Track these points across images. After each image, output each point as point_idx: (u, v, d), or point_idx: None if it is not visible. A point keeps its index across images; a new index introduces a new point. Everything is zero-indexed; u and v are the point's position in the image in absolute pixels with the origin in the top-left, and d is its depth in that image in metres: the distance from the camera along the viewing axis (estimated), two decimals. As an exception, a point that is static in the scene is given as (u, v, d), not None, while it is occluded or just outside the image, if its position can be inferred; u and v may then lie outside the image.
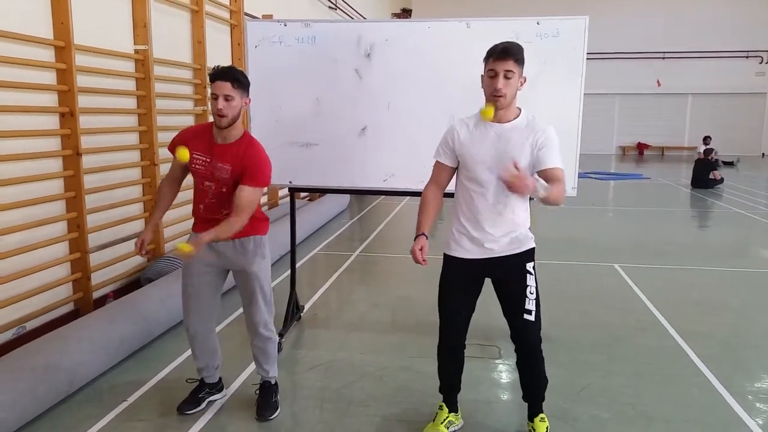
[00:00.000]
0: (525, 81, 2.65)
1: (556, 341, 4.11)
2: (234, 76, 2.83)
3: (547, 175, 2.61)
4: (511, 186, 2.37)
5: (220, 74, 2.81)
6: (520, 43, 2.63)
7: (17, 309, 3.92)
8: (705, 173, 13.10)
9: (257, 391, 3.28)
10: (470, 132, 2.71)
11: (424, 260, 2.63)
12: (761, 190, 12.93)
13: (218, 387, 3.33)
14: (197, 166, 2.97)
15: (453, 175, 2.84)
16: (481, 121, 2.69)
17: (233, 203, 2.89)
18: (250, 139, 2.99)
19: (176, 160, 3.00)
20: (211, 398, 3.28)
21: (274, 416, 3.16)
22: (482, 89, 2.68)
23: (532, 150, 2.63)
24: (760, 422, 3.12)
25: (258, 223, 3.08)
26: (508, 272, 2.75)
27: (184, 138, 3.02)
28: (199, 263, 3.04)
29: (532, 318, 2.73)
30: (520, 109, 2.71)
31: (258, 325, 3.15)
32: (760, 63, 22.84)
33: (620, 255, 6.75)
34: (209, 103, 2.87)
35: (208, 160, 2.93)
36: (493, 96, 2.59)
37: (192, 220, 3.18)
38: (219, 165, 2.91)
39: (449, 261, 2.82)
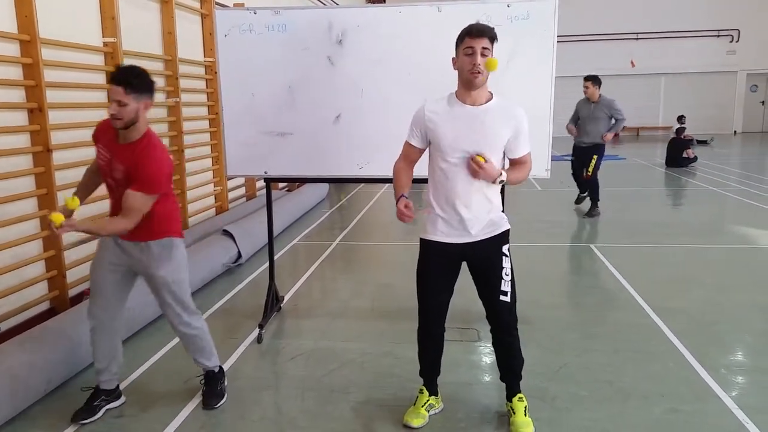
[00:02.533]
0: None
1: (534, 322, 4.17)
2: (126, 81, 2.72)
3: (518, 160, 2.78)
4: (476, 174, 2.60)
5: (113, 77, 2.73)
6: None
7: (-9, 309, 3.87)
8: (678, 152, 13.28)
9: (202, 382, 3.27)
10: (443, 113, 2.73)
11: (410, 215, 2.70)
12: (733, 167, 13.15)
13: (116, 394, 3.20)
14: (101, 161, 2.92)
15: (421, 154, 2.88)
16: (452, 102, 2.72)
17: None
18: (149, 141, 2.85)
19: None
20: (108, 406, 3.15)
21: (219, 404, 3.17)
22: (455, 70, 2.70)
23: (507, 137, 2.71)
24: (733, 394, 3.19)
25: (167, 225, 2.99)
26: (485, 255, 2.79)
27: (99, 130, 2.96)
28: (105, 259, 3.00)
29: (507, 299, 2.78)
30: (491, 93, 2.74)
31: (176, 326, 3.12)
32: (731, 42, 23.12)
33: (596, 236, 6.84)
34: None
35: (108, 157, 2.88)
36: (471, 73, 2.61)
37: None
38: (115, 165, 2.84)
39: (426, 245, 2.85)
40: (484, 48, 2.59)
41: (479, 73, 2.60)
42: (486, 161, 2.61)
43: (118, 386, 3.23)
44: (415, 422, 2.92)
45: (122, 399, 3.24)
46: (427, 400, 3.01)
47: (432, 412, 3.02)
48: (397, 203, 2.74)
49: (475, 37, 2.59)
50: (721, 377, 3.39)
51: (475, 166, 2.59)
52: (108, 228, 2.87)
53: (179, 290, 3.05)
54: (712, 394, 3.22)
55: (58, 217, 2.64)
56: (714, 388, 3.27)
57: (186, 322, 3.11)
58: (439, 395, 3.08)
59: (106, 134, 2.91)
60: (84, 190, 3.13)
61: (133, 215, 2.80)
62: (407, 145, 2.88)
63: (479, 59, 2.58)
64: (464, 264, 2.86)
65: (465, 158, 2.67)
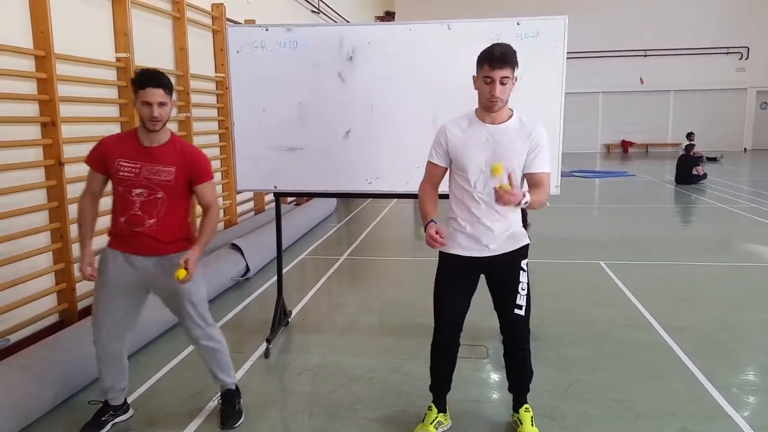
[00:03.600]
0: (516, 80, 2.68)
1: (543, 339, 4.14)
2: (164, 82, 2.77)
3: (534, 179, 2.71)
4: (500, 198, 2.46)
5: (151, 81, 2.73)
6: (512, 45, 2.65)
7: (1, 321, 3.88)
8: (688, 169, 13.24)
9: (219, 401, 3.24)
10: (463, 132, 2.75)
11: (442, 242, 2.66)
12: (743, 184, 13.09)
13: (123, 408, 3.18)
14: (124, 174, 2.82)
15: (445, 174, 2.89)
16: (473, 121, 2.74)
17: (162, 212, 2.85)
18: (178, 138, 2.97)
19: (93, 173, 2.90)
20: (116, 420, 3.13)
21: (238, 423, 3.12)
22: (475, 90, 2.71)
23: (525, 152, 2.69)
24: (745, 414, 3.15)
25: (188, 239, 2.99)
26: (504, 269, 2.80)
27: (105, 147, 2.87)
28: (115, 283, 2.91)
29: (522, 313, 2.79)
30: (512, 110, 2.75)
31: (199, 339, 3.08)
32: (740, 59, 23.11)
33: (605, 252, 6.81)
34: (137, 108, 2.77)
35: (138, 165, 2.83)
36: (489, 101, 2.63)
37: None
38: (157, 167, 2.83)
39: (446, 259, 2.85)
40: (503, 77, 2.58)
41: (499, 101, 2.62)
42: (511, 185, 2.51)
43: (125, 401, 3.22)
44: None
45: (130, 413, 3.23)
46: (436, 417, 2.99)
47: (441, 429, 3.00)
48: (426, 229, 2.70)
49: (495, 67, 2.57)
50: (733, 396, 3.35)
51: (502, 194, 2.46)
52: (210, 230, 2.92)
53: (200, 302, 3.04)
54: (723, 413, 3.18)
55: (182, 273, 2.72)
56: (725, 407, 3.23)
57: (208, 335, 3.10)
58: (448, 412, 3.06)
59: (121, 149, 2.84)
60: (92, 225, 3.00)
61: (216, 205, 2.97)
62: (430, 164, 2.88)
63: (498, 90, 2.59)
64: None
65: (484, 175, 2.67)
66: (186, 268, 2.75)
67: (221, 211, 7.31)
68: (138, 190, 2.83)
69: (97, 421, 3.08)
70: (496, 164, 2.54)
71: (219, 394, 3.26)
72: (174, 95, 2.90)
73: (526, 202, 2.55)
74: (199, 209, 3.08)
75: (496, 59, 2.56)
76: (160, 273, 2.92)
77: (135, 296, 3.00)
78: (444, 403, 3.04)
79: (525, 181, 2.80)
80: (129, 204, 2.85)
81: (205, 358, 3.16)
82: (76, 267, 4.50)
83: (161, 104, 2.75)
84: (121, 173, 2.83)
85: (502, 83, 2.59)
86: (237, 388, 3.26)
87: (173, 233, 2.91)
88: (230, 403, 3.18)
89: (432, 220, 2.74)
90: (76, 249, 4.52)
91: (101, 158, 2.87)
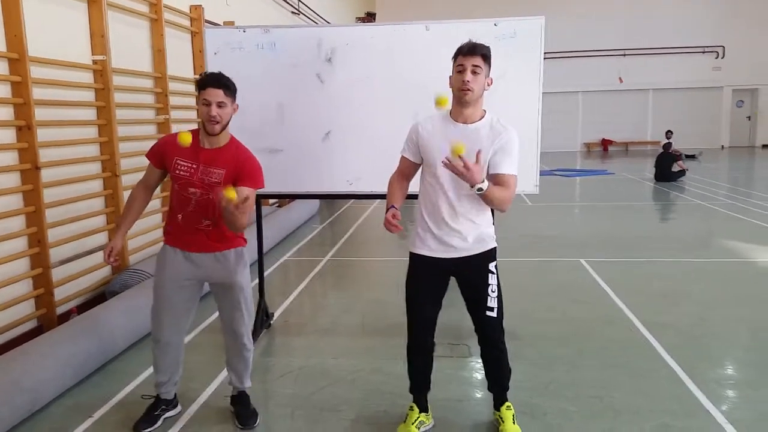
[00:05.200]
0: (492, 82, 2.72)
1: (523, 337, 4.16)
2: (225, 83, 2.83)
3: (497, 180, 2.69)
4: (457, 171, 2.48)
5: (212, 81, 2.80)
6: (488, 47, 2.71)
7: (-23, 328, 3.82)
8: (667, 166, 13.39)
9: (231, 404, 3.25)
10: (434, 130, 2.77)
11: (397, 226, 2.66)
12: (722, 181, 13.27)
13: (173, 403, 3.25)
14: (181, 172, 2.90)
15: (417, 170, 2.90)
16: (446, 120, 2.75)
17: (216, 213, 2.88)
18: (238, 143, 2.99)
19: (152, 167, 3.00)
20: (167, 415, 3.20)
21: (258, 423, 3.14)
22: (450, 88, 2.73)
23: (492, 152, 2.68)
24: (723, 408, 3.20)
25: (239, 235, 3.05)
26: (472, 271, 2.81)
27: (166, 144, 2.97)
28: (176, 275, 3.00)
29: (494, 314, 2.81)
30: (485, 111, 2.77)
31: (242, 337, 3.12)
32: (716, 58, 23.44)
33: (586, 250, 6.86)
34: (199, 109, 2.85)
35: (194, 166, 2.89)
36: (460, 90, 2.65)
37: (158, 232, 3.13)
38: (211, 170, 2.87)
39: (414, 258, 2.87)
40: (474, 65, 2.62)
41: (469, 90, 2.63)
42: (477, 162, 2.49)
43: (175, 395, 3.25)
44: None
45: (179, 408, 3.27)
46: (418, 417, 2.99)
47: (423, 429, 3.00)
48: (386, 213, 2.73)
49: (466, 54, 2.63)
50: (711, 391, 3.39)
51: (453, 160, 2.45)
52: (245, 216, 2.80)
53: (250, 299, 3.11)
54: (702, 409, 3.22)
55: (232, 192, 2.58)
56: (704, 402, 3.27)
57: (249, 334, 3.15)
58: (429, 412, 3.07)
59: (181, 148, 2.85)
60: (136, 212, 3.07)
61: (249, 210, 2.86)
62: (401, 158, 2.92)
63: (469, 76, 2.62)
64: (454, 279, 2.87)
65: (452, 174, 2.64)
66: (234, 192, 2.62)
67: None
68: (192, 190, 2.90)
69: (150, 416, 3.13)
70: (457, 144, 2.49)
71: (230, 396, 3.27)
72: (236, 101, 2.90)
73: (479, 189, 2.51)
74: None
75: (468, 48, 2.64)
76: (219, 267, 3.00)
77: (193, 290, 3.07)
78: (425, 402, 3.05)
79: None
80: (185, 202, 2.93)
81: (236, 356, 3.17)
82: (54, 272, 4.45)
83: (220, 104, 2.79)
84: (177, 171, 2.91)
85: (474, 72, 2.62)
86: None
87: (223, 234, 2.96)
88: (245, 404, 3.21)
89: (393, 206, 2.76)
90: (54, 254, 4.47)
91: (160, 155, 2.97)
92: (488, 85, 2.72)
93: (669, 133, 14.72)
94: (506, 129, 2.71)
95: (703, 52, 23.40)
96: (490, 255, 2.82)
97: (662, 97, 24.13)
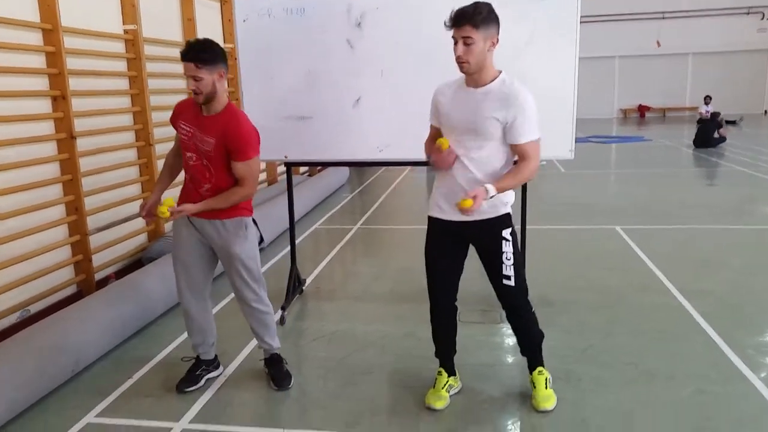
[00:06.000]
0: (497, 42, 2.56)
1: (557, 304, 4.13)
2: (196, 56, 2.74)
3: (517, 151, 2.64)
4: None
5: (184, 55, 2.76)
6: (484, 2, 2.53)
7: (21, 292, 3.95)
8: (709, 133, 12.99)
9: (265, 366, 3.31)
10: (450, 96, 2.74)
11: (444, 158, 2.67)
12: (764, 147, 12.84)
13: (215, 364, 3.32)
14: (183, 136, 2.98)
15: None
16: (460, 85, 2.70)
17: (212, 180, 2.91)
18: (233, 111, 2.93)
19: (177, 132, 3.05)
20: (209, 376, 3.27)
21: (291, 384, 3.20)
22: None
23: (502, 122, 2.59)
24: (762, 375, 3.13)
25: (242, 206, 3.04)
26: (484, 238, 2.77)
27: (178, 108, 3.05)
28: (188, 238, 3.06)
29: (511, 283, 2.76)
30: (499, 72, 2.64)
31: (250, 301, 3.16)
32: (761, 19, 22.51)
33: (621, 217, 6.74)
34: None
35: (191, 131, 2.92)
36: (457, 63, 2.56)
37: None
38: (201, 137, 2.89)
39: (430, 222, 2.90)
40: (464, 37, 2.48)
41: (464, 62, 2.53)
42: (473, 198, 2.46)
43: (216, 356, 3.34)
44: (438, 404, 2.92)
45: (221, 369, 3.36)
46: (447, 381, 3.01)
47: (452, 392, 3.02)
48: (431, 157, 2.74)
49: (454, 27, 2.49)
50: (749, 358, 3.32)
51: (461, 210, 2.48)
52: (231, 199, 2.92)
53: (255, 267, 3.14)
54: (740, 375, 3.16)
55: (163, 210, 2.75)
56: (742, 369, 3.21)
57: (261, 299, 3.20)
58: (457, 375, 3.08)
59: (188, 111, 2.97)
60: (168, 175, 3.19)
61: (252, 181, 2.95)
62: (431, 125, 2.92)
63: (460, 50, 2.50)
64: None
65: (461, 139, 2.67)
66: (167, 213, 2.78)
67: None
68: (189, 154, 2.96)
69: (191, 375, 3.22)
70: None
71: (263, 359, 3.32)
72: (221, 67, 2.82)
73: (491, 196, 2.49)
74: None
75: (452, 19, 2.49)
76: (216, 236, 3.02)
77: (203, 254, 3.11)
78: (452, 366, 3.06)
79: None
80: (187, 165, 3.01)
81: (253, 321, 3.23)
82: (91, 239, 4.56)
83: (195, 78, 2.76)
84: (181, 135, 2.98)
85: (465, 44, 2.48)
86: (280, 353, 3.34)
87: None
88: (278, 365, 3.27)
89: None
90: (91, 221, 4.57)
91: (174, 118, 3.04)
92: (492, 45, 2.54)
93: (707, 99, 14.27)
94: (516, 96, 2.56)
95: (747, 13, 22.47)
96: (503, 221, 2.74)
97: (702, 61, 23.36)
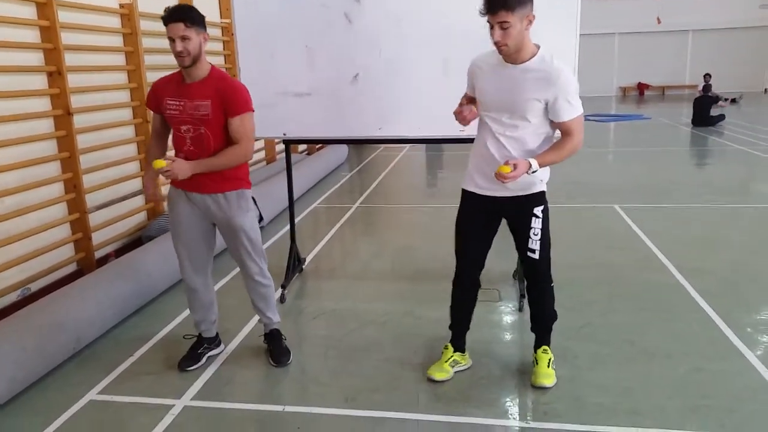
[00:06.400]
0: (533, 18, 2.53)
1: (556, 282, 4.04)
2: (185, 16, 2.75)
3: (561, 129, 2.67)
4: (501, 178, 2.50)
5: (170, 16, 2.74)
6: None
7: (21, 271, 3.95)
8: (706, 110, 12.94)
9: (265, 341, 3.33)
10: (488, 70, 2.73)
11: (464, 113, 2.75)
12: (763, 125, 12.80)
13: (216, 342, 3.34)
14: (171, 112, 2.90)
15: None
16: (499, 61, 2.66)
17: (212, 148, 2.87)
18: (220, 72, 2.93)
19: (154, 114, 3.00)
20: (210, 353, 3.29)
21: (290, 360, 3.22)
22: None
23: (543, 97, 2.58)
24: (759, 353, 3.16)
25: (241, 174, 3.03)
26: (516, 213, 2.81)
27: (156, 88, 2.98)
28: (183, 217, 3.03)
29: (536, 256, 2.82)
30: (537, 47, 2.63)
31: (254, 275, 3.17)
32: (764, -5, 22.29)
33: (620, 196, 6.74)
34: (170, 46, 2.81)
35: (181, 102, 2.87)
36: (495, 47, 2.56)
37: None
38: (196, 103, 2.84)
39: (463, 195, 2.90)
40: (501, 22, 2.46)
41: (503, 46, 2.52)
42: (512, 169, 2.48)
43: (218, 334, 3.35)
44: (438, 375, 2.97)
45: (222, 347, 3.37)
46: (452, 356, 3.04)
47: (457, 368, 3.04)
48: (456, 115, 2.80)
49: (489, 13, 2.48)
50: (747, 336, 3.35)
51: (499, 177, 2.50)
52: (229, 158, 2.87)
53: (257, 239, 3.13)
54: (737, 353, 3.18)
55: (159, 162, 2.70)
56: (739, 347, 3.23)
57: (263, 272, 3.20)
58: (466, 353, 3.11)
59: (168, 88, 2.93)
60: (157, 153, 3.10)
61: (248, 140, 2.90)
62: (465, 94, 2.94)
63: (498, 35, 2.49)
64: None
65: (500, 115, 2.67)
66: (163, 163, 2.72)
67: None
68: (184, 127, 2.89)
69: (193, 353, 3.23)
70: (502, 167, 2.51)
71: (263, 335, 3.34)
72: (204, 31, 2.82)
73: (533, 171, 2.54)
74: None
75: (488, 5, 2.47)
76: (218, 209, 2.99)
77: (204, 229, 3.09)
78: (462, 342, 3.09)
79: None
80: (182, 141, 2.92)
81: (255, 295, 3.24)
82: (91, 217, 4.54)
83: (183, 38, 2.74)
84: (169, 111, 2.91)
85: (502, 27, 2.47)
86: (279, 329, 3.35)
87: (219, 175, 2.93)
88: (278, 341, 3.29)
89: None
90: (90, 199, 4.56)
91: (154, 99, 2.98)
92: (530, 23, 2.53)
93: (707, 76, 14.20)
94: (559, 75, 2.55)
95: (749, -10, 22.25)
96: (536, 198, 2.77)
97: (702, 38, 23.18)
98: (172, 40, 2.75)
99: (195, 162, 2.82)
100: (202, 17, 2.83)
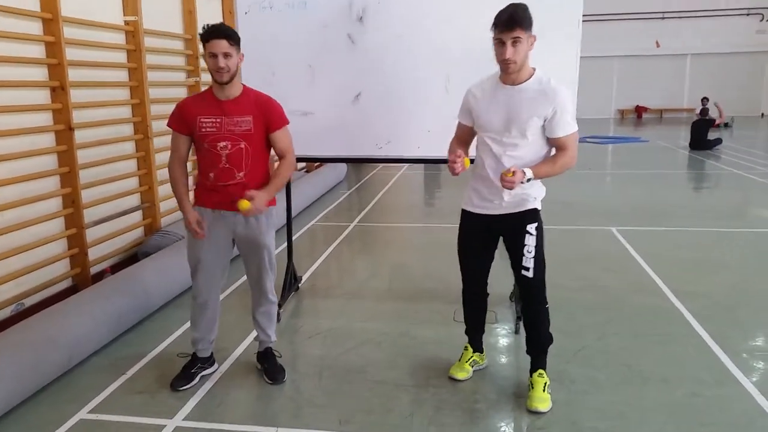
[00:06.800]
0: (535, 39, 2.68)
1: (552, 304, 4.08)
2: (228, 33, 2.83)
3: (557, 144, 2.77)
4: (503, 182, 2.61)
5: (214, 33, 2.81)
6: (524, 3, 2.65)
7: (16, 285, 3.93)
8: (703, 134, 13.02)
9: (258, 360, 3.32)
10: (484, 94, 2.82)
11: (456, 162, 2.69)
12: (760, 150, 12.88)
13: (210, 361, 3.32)
14: (207, 130, 2.91)
15: (473, 135, 2.98)
16: (495, 83, 2.78)
17: (249, 164, 2.94)
18: (253, 90, 3.03)
19: (178, 135, 3.01)
20: (204, 373, 3.27)
21: (285, 378, 3.22)
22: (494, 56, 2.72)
23: (542, 115, 2.69)
24: (754, 379, 3.15)
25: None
26: (510, 230, 2.90)
27: (185, 107, 2.98)
28: (216, 234, 3.04)
29: (529, 275, 2.87)
30: (533, 69, 2.75)
31: (267, 292, 3.21)
32: (761, 20, 22.54)
33: (617, 218, 6.75)
34: (206, 62, 2.86)
35: (218, 119, 2.91)
36: (502, 64, 2.66)
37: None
38: (236, 119, 2.90)
39: (462, 215, 3.03)
40: (514, 38, 2.58)
41: (512, 63, 2.62)
42: (513, 173, 2.58)
43: (212, 354, 3.34)
44: (459, 375, 3.17)
45: (216, 366, 3.36)
46: (471, 356, 3.23)
47: (476, 367, 3.24)
48: (449, 156, 2.78)
49: (504, 31, 2.58)
50: (743, 362, 3.34)
51: (503, 184, 2.61)
52: (285, 176, 3.02)
53: (274, 255, 3.19)
54: (732, 379, 3.17)
55: (245, 204, 2.77)
56: (735, 373, 3.23)
57: (272, 289, 3.25)
58: (483, 352, 3.30)
59: (200, 106, 2.94)
60: (183, 181, 3.08)
61: (292, 151, 3.06)
62: (458, 123, 3.02)
63: (509, 52, 2.60)
64: None
65: (499, 137, 2.76)
66: (248, 201, 2.78)
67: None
68: (222, 143, 2.91)
69: (186, 373, 3.21)
70: (504, 171, 2.62)
71: (257, 353, 3.35)
72: (240, 50, 2.90)
73: (528, 179, 2.63)
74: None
75: (504, 23, 2.58)
76: (247, 226, 3.03)
77: (225, 249, 3.13)
78: (479, 343, 3.28)
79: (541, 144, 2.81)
80: (216, 158, 2.93)
81: (261, 312, 3.26)
82: (88, 232, 4.54)
83: (226, 55, 2.81)
84: (204, 129, 2.93)
85: (513, 45, 2.59)
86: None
87: (262, 184, 2.99)
88: (272, 359, 3.31)
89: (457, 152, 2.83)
90: (88, 214, 4.56)
91: (182, 119, 2.98)
92: (531, 44, 2.67)
93: (705, 100, 14.31)
94: (556, 93, 2.67)
95: (747, 14, 22.50)
96: (530, 216, 2.85)
97: (701, 62, 23.38)
98: (213, 56, 2.80)
99: (265, 190, 2.91)
100: (239, 38, 2.91)
